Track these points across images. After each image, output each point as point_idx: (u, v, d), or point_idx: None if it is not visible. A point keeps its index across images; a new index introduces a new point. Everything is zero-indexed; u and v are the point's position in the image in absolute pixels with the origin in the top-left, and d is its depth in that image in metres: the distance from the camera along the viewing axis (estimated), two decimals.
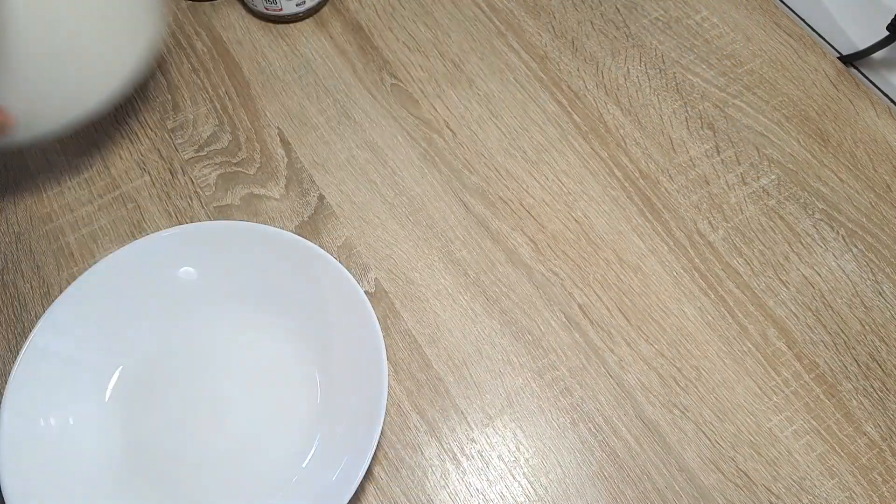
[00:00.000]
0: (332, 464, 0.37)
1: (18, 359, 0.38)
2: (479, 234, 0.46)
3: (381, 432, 0.39)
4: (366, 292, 0.44)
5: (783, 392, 0.42)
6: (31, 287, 0.45)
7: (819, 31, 0.55)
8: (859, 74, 0.53)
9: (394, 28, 0.54)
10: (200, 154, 0.49)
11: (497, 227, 0.47)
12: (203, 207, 0.47)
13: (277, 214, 0.47)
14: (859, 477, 0.40)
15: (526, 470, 0.40)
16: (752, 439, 0.41)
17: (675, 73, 0.52)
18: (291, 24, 0.54)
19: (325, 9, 0.55)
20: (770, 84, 0.52)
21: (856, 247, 0.46)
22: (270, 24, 0.54)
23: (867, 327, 0.44)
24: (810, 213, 0.47)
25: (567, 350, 0.43)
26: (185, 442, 0.40)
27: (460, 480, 0.40)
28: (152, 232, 0.46)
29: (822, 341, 0.43)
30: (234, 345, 0.42)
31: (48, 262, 0.45)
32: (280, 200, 0.47)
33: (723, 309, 0.44)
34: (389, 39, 0.54)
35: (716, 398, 0.42)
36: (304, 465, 0.39)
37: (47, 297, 0.44)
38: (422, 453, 0.40)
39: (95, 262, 0.41)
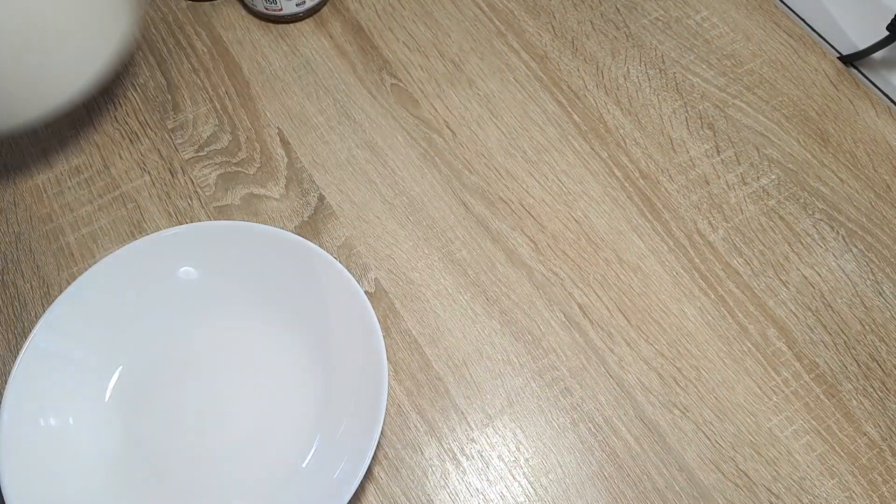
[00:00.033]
0: (332, 464, 0.37)
1: (18, 359, 0.38)
2: (479, 234, 0.46)
3: (381, 432, 0.39)
4: (366, 292, 0.44)
5: (783, 392, 0.42)
6: (31, 287, 0.45)
7: (819, 31, 0.55)
8: (859, 74, 0.53)
9: (394, 28, 0.54)
10: (200, 154, 0.49)
11: (497, 227, 0.47)
12: (203, 207, 0.47)
13: (277, 214, 0.47)
14: (859, 477, 0.40)
15: (526, 470, 0.40)
16: (752, 439, 0.41)
17: (675, 73, 0.52)
18: (291, 24, 0.54)
19: (325, 9, 0.55)
20: (770, 84, 0.52)
21: (856, 247, 0.46)
22: (270, 24, 0.54)
23: (867, 327, 0.44)
24: (810, 213, 0.47)
25: (567, 350, 0.43)
26: (185, 442, 0.40)
27: (460, 480, 0.40)
28: (152, 232, 0.46)
29: (822, 341, 0.43)
30: (234, 345, 0.42)
31: (48, 262, 0.45)
32: (280, 200, 0.47)
33: (723, 309, 0.44)
34: (389, 39, 0.54)
35: (716, 398, 0.42)
36: (304, 465, 0.39)
37: (47, 297, 0.44)
38: (422, 453, 0.40)
39: (95, 262, 0.41)
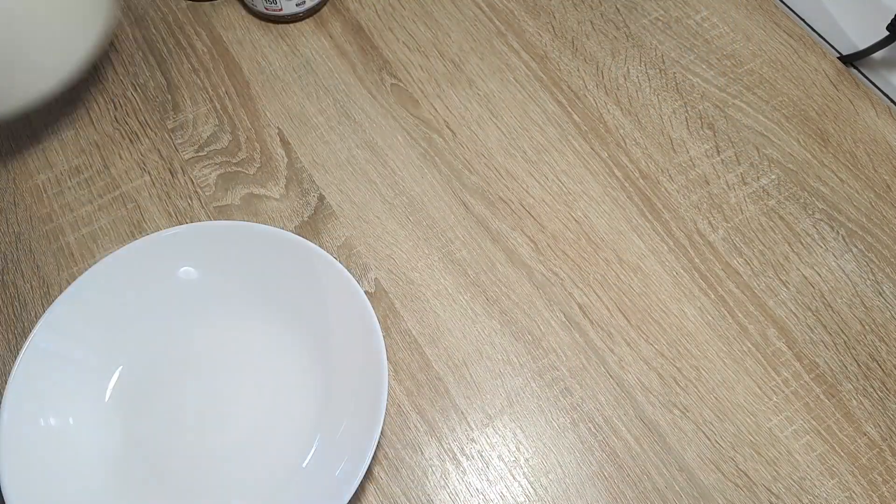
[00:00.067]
0: (332, 464, 0.37)
1: (18, 359, 0.38)
2: (479, 234, 0.46)
3: (381, 432, 0.39)
4: (366, 292, 0.44)
5: (783, 392, 0.42)
6: (31, 287, 0.45)
7: (819, 31, 0.55)
8: (859, 74, 0.53)
9: (394, 28, 0.54)
10: (200, 154, 0.49)
11: (497, 227, 0.47)
12: (203, 207, 0.47)
13: (277, 214, 0.47)
14: (859, 477, 0.40)
15: (526, 470, 0.40)
16: (752, 439, 0.41)
17: (675, 73, 0.52)
18: (291, 24, 0.54)
19: (325, 9, 0.55)
20: (770, 84, 0.52)
21: (856, 247, 0.46)
22: (270, 24, 0.54)
23: (867, 327, 0.44)
24: (810, 213, 0.47)
25: (567, 350, 0.43)
26: (184, 442, 0.40)
27: (460, 480, 0.40)
28: (152, 232, 0.46)
29: (822, 341, 0.43)
30: (234, 345, 0.42)
31: (48, 262, 0.45)
32: (280, 200, 0.47)
33: (723, 309, 0.44)
34: (389, 39, 0.54)
35: (716, 398, 0.42)
36: (304, 465, 0.39)
37: (47, 297, 0.44)
38: (422, 453, 0.40)
39: (95, 262, 0.41)
